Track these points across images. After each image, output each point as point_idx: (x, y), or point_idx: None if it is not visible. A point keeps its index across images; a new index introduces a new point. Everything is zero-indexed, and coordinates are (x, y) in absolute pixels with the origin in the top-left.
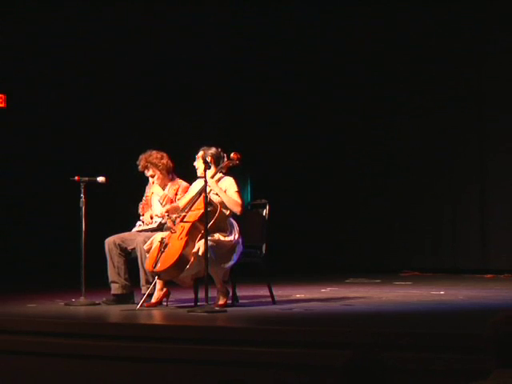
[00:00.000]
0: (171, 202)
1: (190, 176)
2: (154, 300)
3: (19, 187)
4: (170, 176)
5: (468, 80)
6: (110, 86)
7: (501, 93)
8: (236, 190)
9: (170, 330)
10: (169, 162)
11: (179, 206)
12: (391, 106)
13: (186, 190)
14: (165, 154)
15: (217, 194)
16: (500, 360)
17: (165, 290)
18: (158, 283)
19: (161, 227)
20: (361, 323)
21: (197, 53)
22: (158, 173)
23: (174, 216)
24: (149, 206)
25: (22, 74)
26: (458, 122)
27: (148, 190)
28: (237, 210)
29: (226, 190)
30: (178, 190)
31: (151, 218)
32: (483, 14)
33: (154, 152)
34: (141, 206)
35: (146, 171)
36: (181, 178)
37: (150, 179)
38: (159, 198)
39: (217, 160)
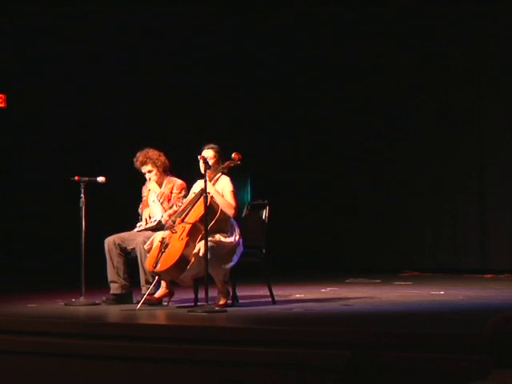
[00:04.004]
0: (168, 199)
1: (190, 176)
2: (157, 295)
3: (19, 187)
4: (166, 174)
5: (468, 80)
6: (110, 86)
7: (501, 92)
8: (231, 189)
9: (170, 330)
10: (166, 160)
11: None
12: (391, 106)
13: (181, 187)
14: (162, 153)
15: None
16: (499, 360)
17: (169, 290)
18: (164, 282)
19: (161, 227)
20: (361, 323)
21: (197, 52)
22: (156, 169)
23: (170, 219)
24: (147, 206)
25: (22, 74)
26: (458, 122)
27: (145, 191)
28: (230, 212)
29: (223, 189)
30: (173, 188)
31: (149, 217)
32: (483, 15)
33: (152, 149)
34: (140, 207)
35: (144, 166)
36: (178, 177)
37: (148, 175)
38: (156, 195)
39: (221, 157)
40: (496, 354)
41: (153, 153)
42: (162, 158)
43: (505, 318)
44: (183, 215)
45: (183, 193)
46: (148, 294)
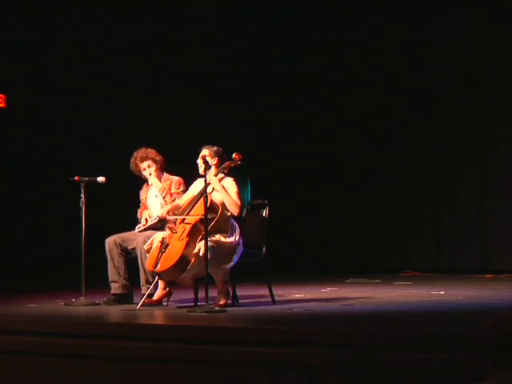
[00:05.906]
0: (171, 194)
1: (189, 176)
2: (155, 297)
3: (19, 187)
4: (163, 172)
5: (468, 80)
6: (110, 86)
7: (501, 92)
8: (236, 190)
9: (170, 330)
10: (163, 158)
11: (179, 204)
12: (391, 107)
13: (178, 183)
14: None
15: (217, 191)
16: (496, 361)
17: (167, 289)
18: (161, 282)
19: (162, 225)
20: (361, 323)
21: (197, 52)
22: (155, 165)
23: (172, 218)
24: (146, 208)
25: (22, 74)
26: (458, 122)
27: (142, 194)
28: (235, 211)
29: (228, 190)
30: (171, 185)
31: (149, 217)
32: (483, 13)
33: (149, 148)
34: (139, 211)
35: (144, 162)
36: (177, 176)
37: (148, 170)
38: (158, 189)
39: (221, 159)
40: (493, 354)
41: (151, 150)
42: (160, 156)
43: (500, 319)
44: (184, 215)
45: (182, 188)
46: (147, 298)
